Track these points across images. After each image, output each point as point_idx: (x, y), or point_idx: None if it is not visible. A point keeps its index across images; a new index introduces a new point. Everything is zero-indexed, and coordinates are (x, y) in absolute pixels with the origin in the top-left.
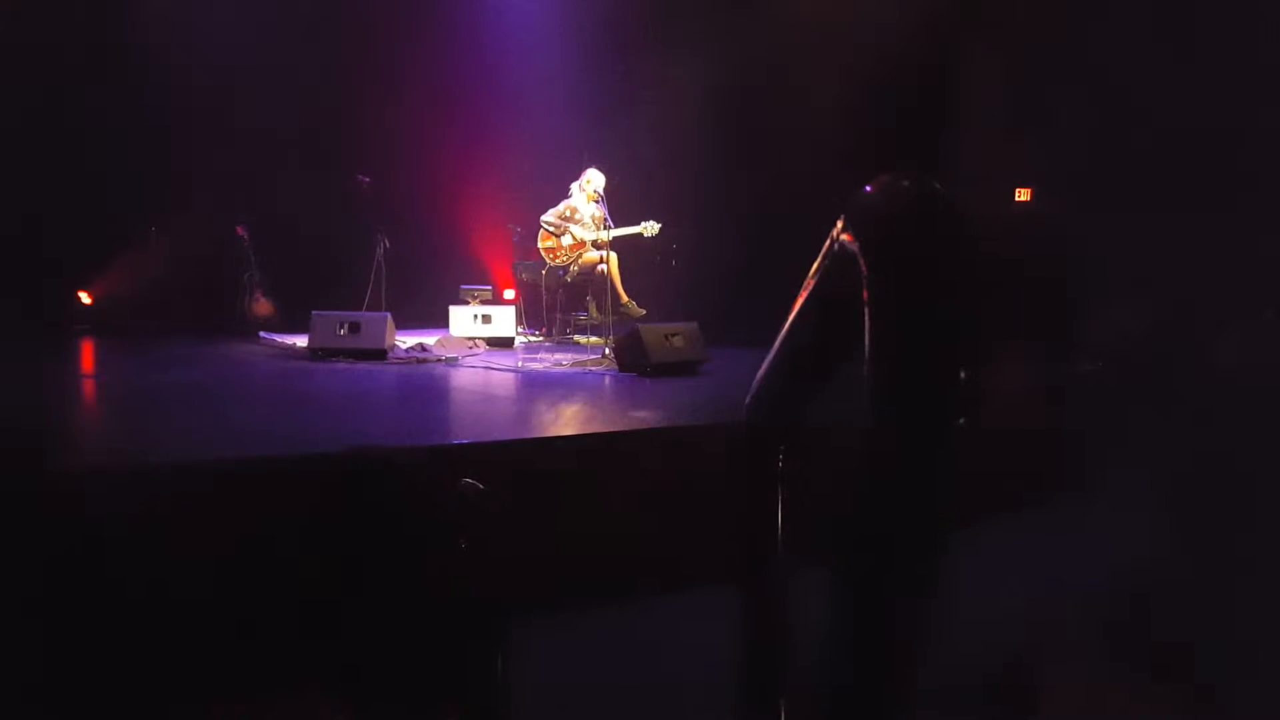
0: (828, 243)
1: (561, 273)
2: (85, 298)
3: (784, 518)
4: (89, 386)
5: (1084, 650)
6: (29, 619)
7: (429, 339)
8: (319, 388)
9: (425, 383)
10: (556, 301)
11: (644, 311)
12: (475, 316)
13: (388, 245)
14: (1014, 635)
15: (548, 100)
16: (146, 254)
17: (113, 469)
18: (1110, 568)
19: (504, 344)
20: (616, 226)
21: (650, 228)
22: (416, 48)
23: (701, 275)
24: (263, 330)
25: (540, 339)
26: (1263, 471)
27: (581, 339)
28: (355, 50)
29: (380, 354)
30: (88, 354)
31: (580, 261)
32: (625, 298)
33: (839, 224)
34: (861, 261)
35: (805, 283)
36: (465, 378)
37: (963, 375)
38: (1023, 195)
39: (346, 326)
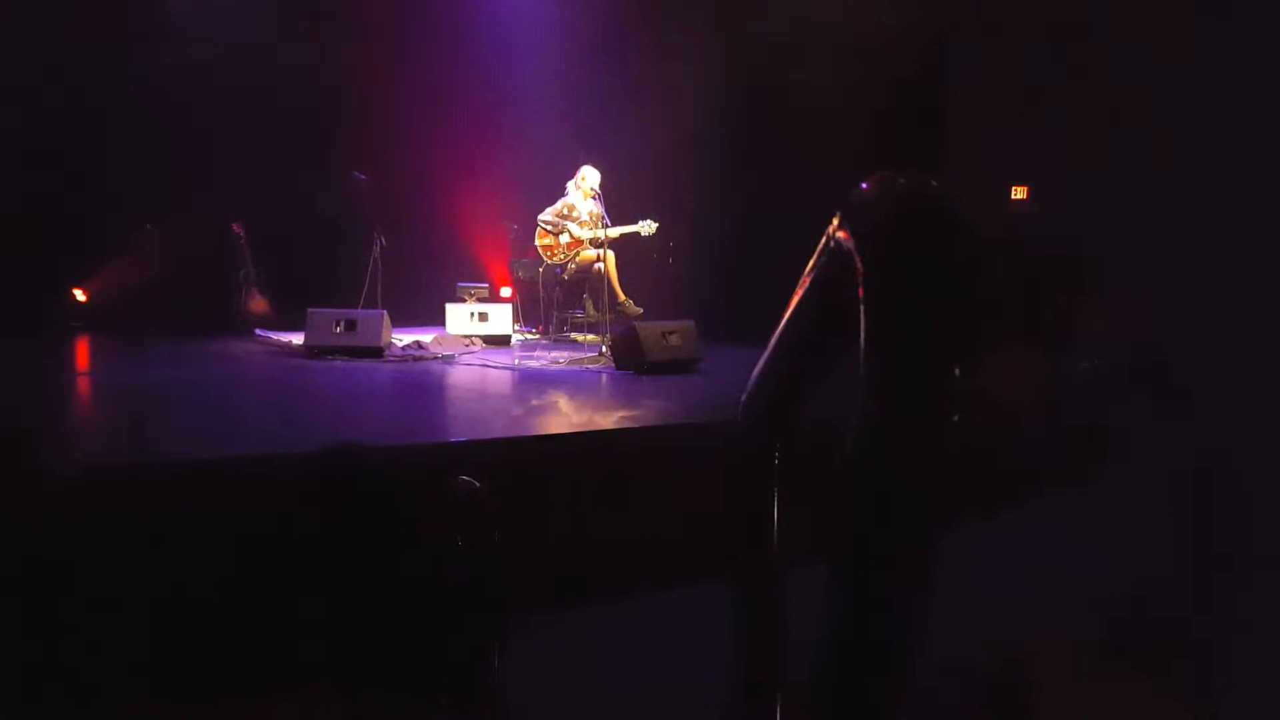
0: (824, 240)
1: (558, 271)
2: (80, 295)
3: (779, 516)
4: (84, 384)
5: (1082, 648)
6: (28, 619)
7: (425, 337)
8: (315, 385)
9: (422, 380)
10: (553, 299)
11: (641, 310)
12: (472, 314)
13: (384, 243)
14: (1011, 633)
15: (545, 98)
16: (142, 251)
17: (108, 466)
18: (1108, 565)
19: (501, 342)
20: (614, 225)
21: (648, 226)
22: (414, 45)
23: (699, 274)
24: (259, 328)
25: (537, 337)
26: (1261, 469)
27: (578, 337)
28: (353, 47)
29: (377, 352)
30: (83, 352)
31: (577, 260)
32: (622, 296)
33: (835, 221)
34: (857, 259)
35: (801, 280)
36: (462, 376)
37: (957, 372)
38: (1019, 194)
39: (343, 324)
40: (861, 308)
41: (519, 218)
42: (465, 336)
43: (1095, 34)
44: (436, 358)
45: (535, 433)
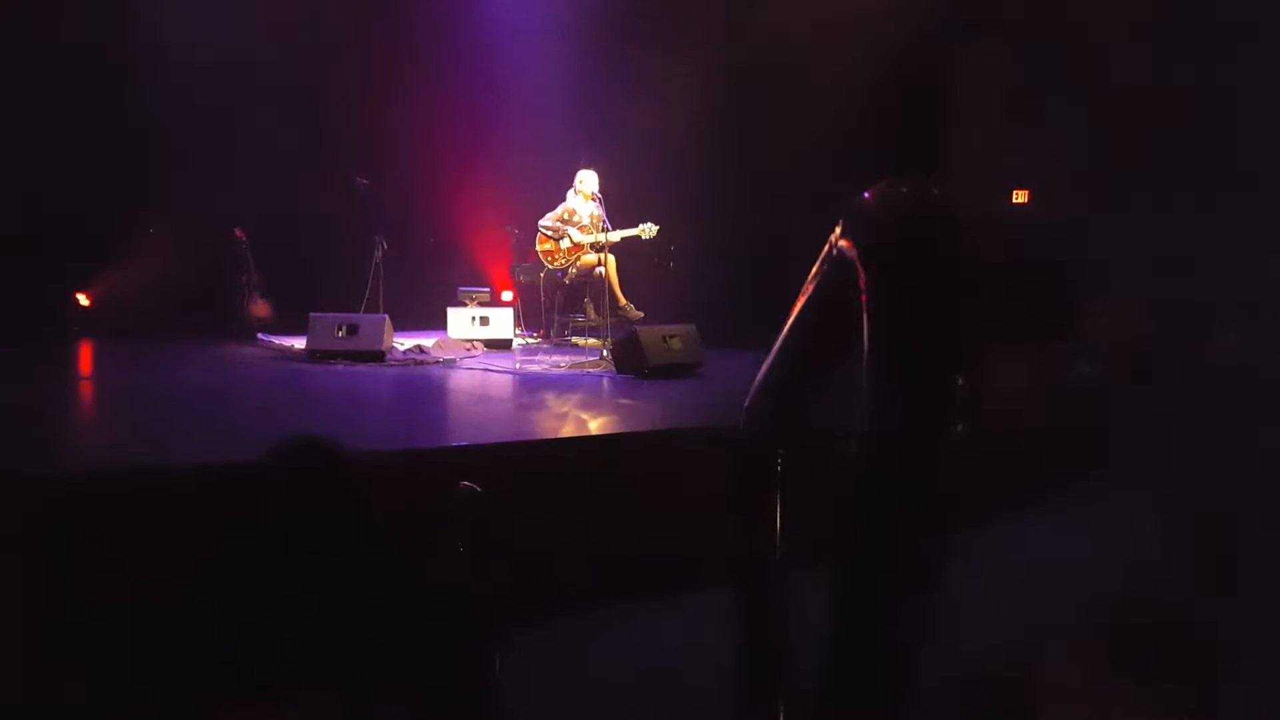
0: (826, 248)
1: (559, 275)
2: (83, 300)
3: (782, 522)
4: (86, 388)
5: (1086, 652)
6: (29, 621)
7: (427, 341)
8: (317, 390)
9: (423, 385)
10: (554, 303)
11: (642, 314)
12: (473, 318)
13: (386, 247)
14: (1015, 637)
15: (545, 102)
16: (144, 256)
17: (110, 470)
18: (1112, 568)
19: (502, 346)
20: (615, 228)
21: (648, 230)
22: (414, 50)
23: (700, 277)
24: (261, 332)
25: (538, 341)
26: (1263, 470)
27: (579, 341)
28: (353, 52)
29: (378, 356)
30: (85, 356)
31: (578, 264)
32: (623, 300)
33: (837, 229)
34: (859, 266)
35: (804, 287)
36: (463, 380)
37: (960, 381)
38: (1020, 197)
39: (344, 328)
40: (864, 315)
41: (520, 222)
42: (466, 340)
43: (1099, 34)
44: (438, 362)
45: (536, 437)
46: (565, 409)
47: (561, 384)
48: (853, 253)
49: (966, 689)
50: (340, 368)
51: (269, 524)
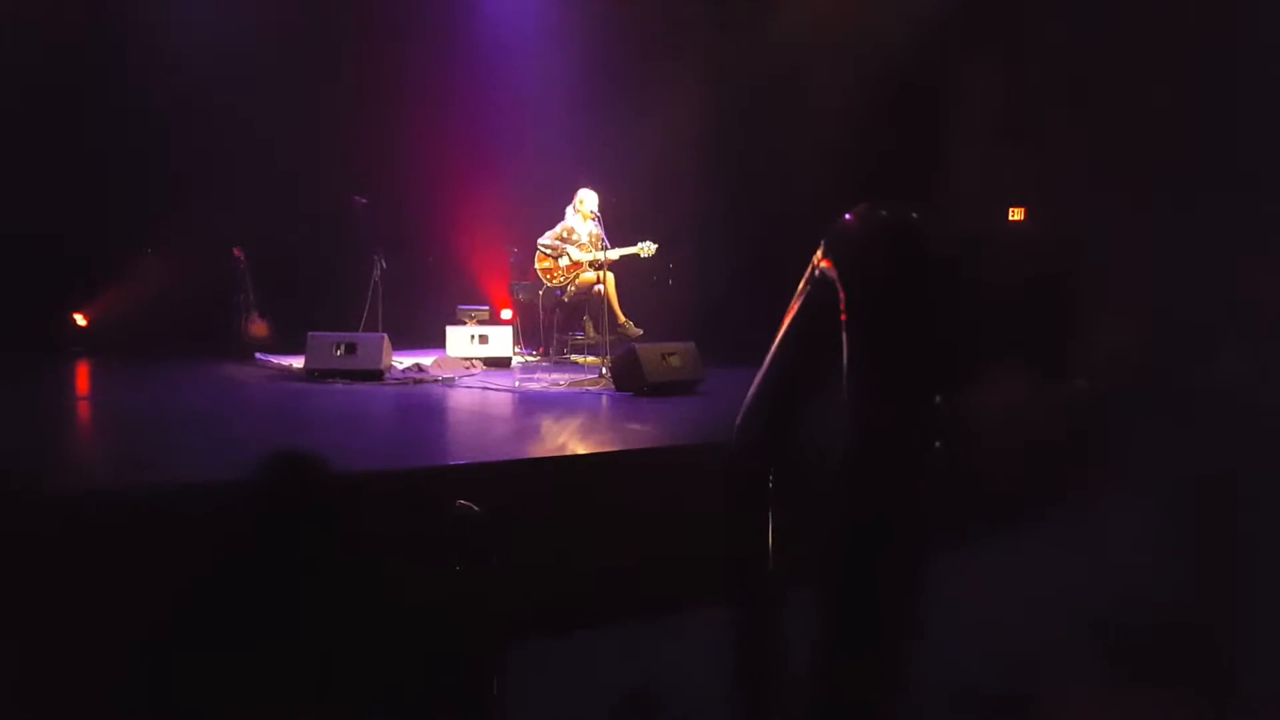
0: (809, 269)
1: (558, 293)
2: (80, 320)
3: (775, 539)
4: (83, 409)
5: (1085, 664)
6: (29, 638)
7: (426, 359)
8: (315, 409)
9: (422, 403)
10: (553, 322)
11: (641, 331)
12: (472, 337)
13: (384, 266)
14: (1013, 650)
15: (545, 121)
16: (142, 276)
17: (109, 491)
18: (1110, 581)
19: (501, 364)
20: (613, 247)
21: (647, 248)
22: (414, 69)
23: (699, 295)
24: (258, 352)
25: (537, 359)
26: (1263, 482)
27: (579, 359)
28: (353, 71)
29: (377, 375)
30: (82, 376)
31: (577, 282)
32: (622, 318)
33: (819, 250)
34: (840, 287)
35: (789, 306)
36: (462, 398)
37: (938, 399)
38: (1016, 215)
39: (343, 347)
40: (844, 333)
41: (519, 241)
42: (465, 359)
43: (1097, 48)
44: (437, 380)
45: (535, 455)
46: (564, 427)
47: (561, 402)
48: (833, 273)
49: (960, 702)
50: (339, 387)
51: (257, 541)
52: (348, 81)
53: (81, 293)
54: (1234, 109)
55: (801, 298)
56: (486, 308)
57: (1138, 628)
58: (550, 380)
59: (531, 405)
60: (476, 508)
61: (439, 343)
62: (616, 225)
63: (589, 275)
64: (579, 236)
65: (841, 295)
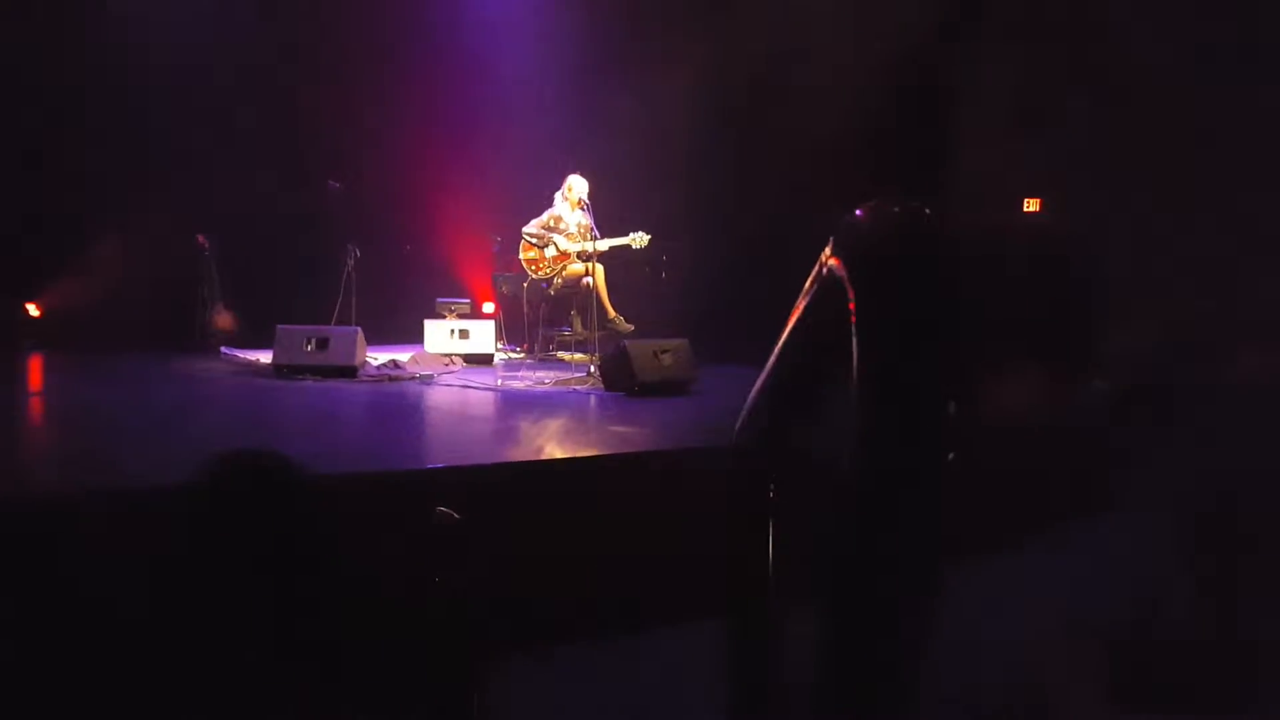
0: (817, 267)
1: (544, 286)
2: (33, 310)
3: (777, 550)
4: (34, 405)
5: (1091, 682)
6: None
7: (402, 356)
8: (283, 408)
9: (398, 402)
10: (539, 316)
11: (631, 327)
12: (452, 332)
13: (359, 255)
14: (1019, 668)
15: (531, 105)
16: (100, 263)
17: (61, 493)
18: (1118, 596)
19: (483, 361)
20: (603, 237)
21: (639, 239)
22: (393, 49)
23: (694, 289)
24: (224, 345)
25: (521, 356)
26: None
27: (565, 356)
28: (328, 51)
29: (350, 371)
30: (34, 371)
31: (564, 274)
32: (612, 312)
33: (828, 248)
34: (848, 287)
35: (796, 305)
36: (441, 397)
37: (951, 405)
38: (1031, 205)
39: (314, 342)
40: (854, 337)
41: (503, 230)
42: (445, 355)
43: (1111, 33)
44: (414, 378)
45: (519, 459)
46: (550, 429)
47: (546, 402)
48: (842, 271)
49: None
50: (309, 384)
51: (222, 546)
52: (322, 59)
53: (35, 281)
54: (1257, 97)
55: (808, 297)
56: (467, 301)
57: (1148, 645)
58: (535, 379)
59: (515, 405)
60: (457, 515)
61: (416, 338)
62: (607, 214)
63: (577, 267)
64: (567, 226)
65: (851, 295)
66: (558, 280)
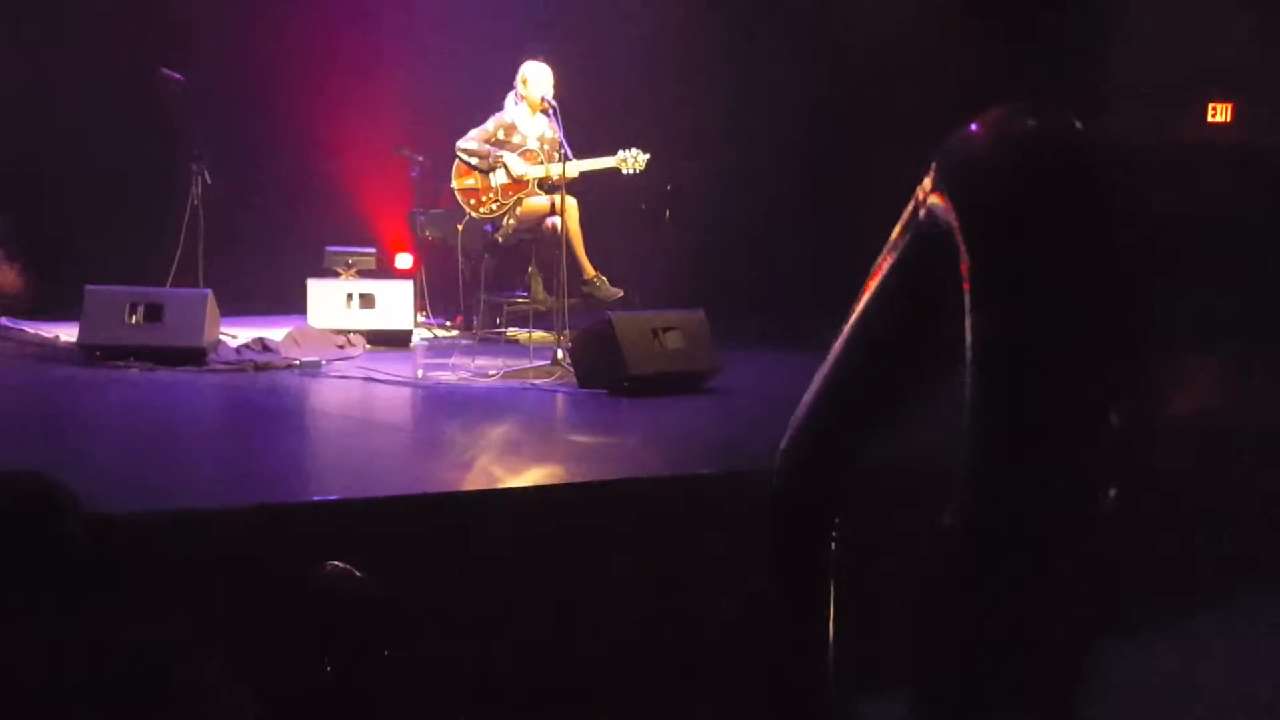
0: (910, 208)
1: (489, 229)
2: None
3: (840, 626)
4: None
5: None
6: None
7: (275, 333)
8: (91, 411)
9: (267, 403)
10: (480, 275)
11: (620, 292)
12: (349, 297)
13: (208, 180)
14: None
15: None
16: None
17: None
18: None
19: (396, 341)
20: (579, 157)
21: (633, 159)
22: None
23: (712, 237)
24: (3, 316)
25: (454, 334)
26: None
27: (519, 335)
28: None
29: (196, 355)
30: None
31: (520, 212)
32: (590, 270)
33: (927, 181)
34: (961, 240)
35: (874, 268)
36: (332, 396)
37: (1114, 420)
38: (1219, 113)
39: (141, 311)
40: (967, 314)
41: (427, 145)
42: (338, 332)
43: None
44: (291, 366)
45: (451, 489)
46: (496, 444)
47: (491, 404)
48: (951, 218)
49: None
50: (134, 373)
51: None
52: None
53: None
54: None
55: (896, 253)
56: (372, 251)
57: None
58: (475, 368)
59: (444, 409)
60: (358, 572)
61: (297, 306)
62: (585, 123)
63: (538, 201)
64: (524, 139)
65: (964, 253)
66: (509, 221)
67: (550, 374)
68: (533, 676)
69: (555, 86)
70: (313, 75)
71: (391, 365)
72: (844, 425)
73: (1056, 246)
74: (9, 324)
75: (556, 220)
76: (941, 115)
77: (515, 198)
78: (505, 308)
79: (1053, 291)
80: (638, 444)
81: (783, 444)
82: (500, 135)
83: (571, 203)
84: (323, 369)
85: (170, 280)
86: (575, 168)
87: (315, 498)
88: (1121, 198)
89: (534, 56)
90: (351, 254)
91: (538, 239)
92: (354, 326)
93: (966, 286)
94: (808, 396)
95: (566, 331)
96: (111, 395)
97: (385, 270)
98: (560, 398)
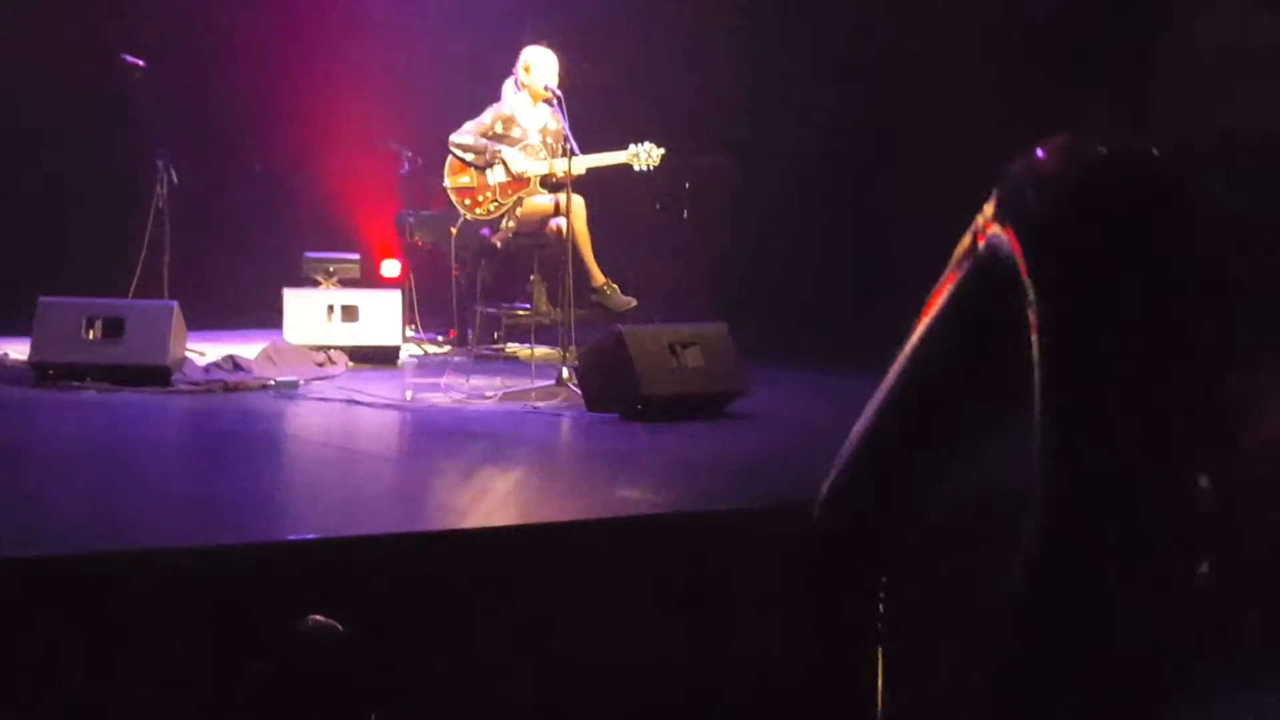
0: (967, 238)
1: (486, 233)
2: None
3: (888, 696)
4: None
5: None
6: None
7: (247, 350)
8: (42, 438)
9: (237, 428)
10: (476, 284)
11: (634, 302)
12: (330, 309)
13: (174, 179)
14: None
15: None
16: None
17: None
18: None
19: (381, 358)
20: (586, 151)
21: (646, 154)
22: None
23: (735, 239)
24: None
25: (446, 350)
26: None
27: (520, 351)
28: None
29: (160, 375)
30: None
31: (520, 213)
32: (600, 278)
33: (987, 208)
34: (1025, 274)
35: (929, 300)
36: (311, 420)
37: (1203, 483)
38: None
39: (99, 325)
40: (1034, 353)
41: (417, 139)
42: (318, 349)
43: None
44: (266, 387)
45: (445, 527)
46: (494, 476)
47: (489, 429)
48: (1015, 250)
49: None
50: (89, 395)
51: None
52: None
53: None
54: None
55: (954, 287)
56: (356, 257)
57: None
58: (469, 389)
59: (436, 435)
60: (340, 626)
61: (272, 320)
62: (593, 115)
63: (541, 201)
64: (524, 132)
65: (1030, 290)
66: (509, 223)
67: (554, 396)
68: None
69: (560, 73)
70: (290, 62)
71: (377, 386)
72: (892, 471)
73: (1139, 289)
74: None
75: (561, 222)
76: (994, 108)
77: (515, 197)
78: (504, 321)
79: (1136, 340)
80: (653, 476)
81: (826, 482)
82: (498, 128)
83: (578, 202)
84: (300, 390)
85: (132, 291)
86: (582, 163)
87: (291, 537)
88: (1206, 233)
89: (536, 40)
90: (332, 261)
91: (540, 243)
92: (335, 342)
93: (1033, 329)
94: (856, 431)
95: (573, 348)
96: (65, 420)
97: (370, 279)
98: (566, 422)
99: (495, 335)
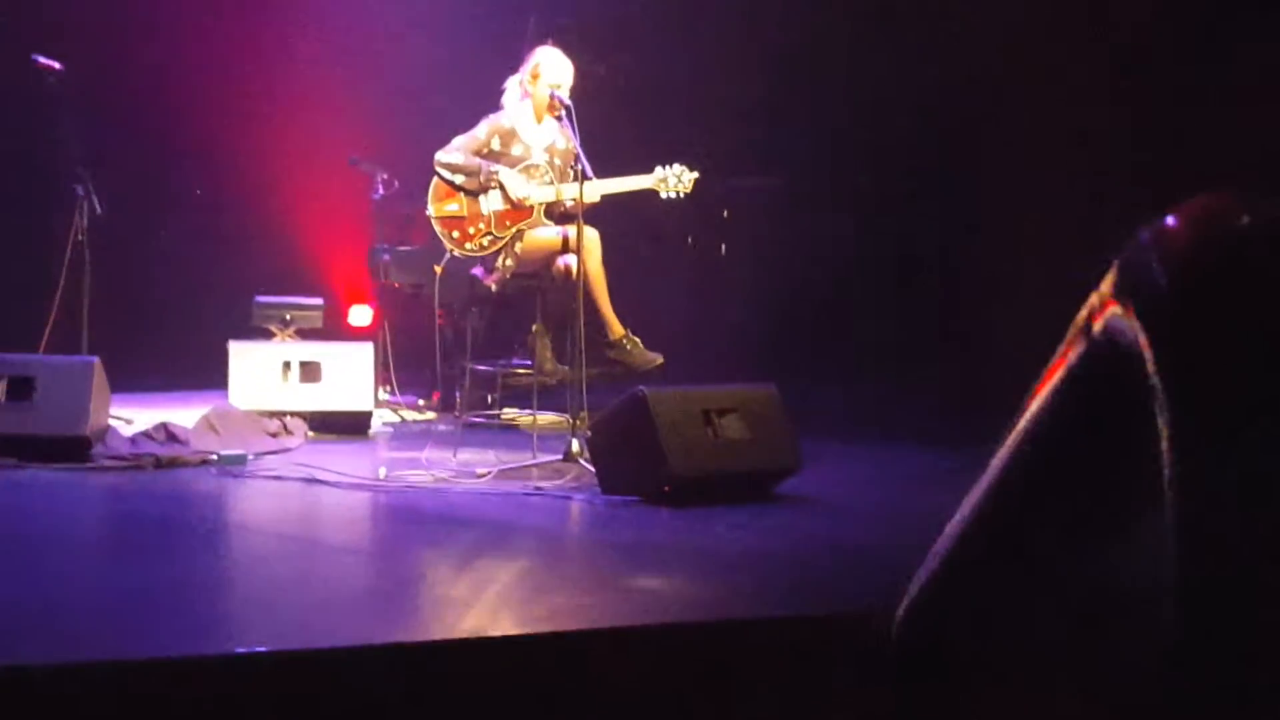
0: (1083, 315)
1: (479, 273)
2: None
3: None
4: None
5: None
6: None
7: (184, 415)
8: None
9: (171, 514)
10: (466, 336)
11: (659, 359)
12: (286, 366)
13: (97, 207)
14: None
15: None
16: None
17: None
18: None
19: (349, 427)
20: (602, 174)
21: (675, 178)
22: None
23: (783, 282)
24: None
25: (429, 417)
26: None
27: (519, 419)
28: None
29: (77, 447)
30: None
31: (521, 249)
32: (618, 329)
33: (1105, 285)
34: (1154, 372)
35: (1035, 388)
36: (262, 503)
37: None
38: None
39: (3, 386)
40: (1164, 451)
41: (395, 159)
42: (271, 415)
43: None
44: (207, 462)
45: (425, 638)
46: (488, 574)
47: (481, 516)
48: (1140, 336)
49: None
50: None
51: None
52: None
53: None
54: None
55: (1063, 372)
56: (319, 302)
57: None
58: (457, 465)
59: (416, 522)
60: None
61: (215, 379)
62: (611, 137)
63: (546, 234)
64: (526, 149)
65: (1159, 391)
66: (507, 260)
67: (562, 474)
68: None
69: (575, 80)
70: (241, 62)
71: (343, 461)
72: (990, 583)
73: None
74: None
75: (571, 260)
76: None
77: (514, 230)
78: (500, 381)
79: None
80: (682, 574)
81: (904, 603)
82: (495, 145)
83: (592, 236)
84: (249, 466)
85: (44, 345)
86: (597, 189)
87: (239, 650)
88: None
89: (541, 38)
90: (290, 307)
91: (544, 286)
92: (292, 407)
93: (1164, 427)
94: (938, 547)
95: (584, 414)
96: None
97: (336, 329)
98: (575, 508)
99: (489, 399)
